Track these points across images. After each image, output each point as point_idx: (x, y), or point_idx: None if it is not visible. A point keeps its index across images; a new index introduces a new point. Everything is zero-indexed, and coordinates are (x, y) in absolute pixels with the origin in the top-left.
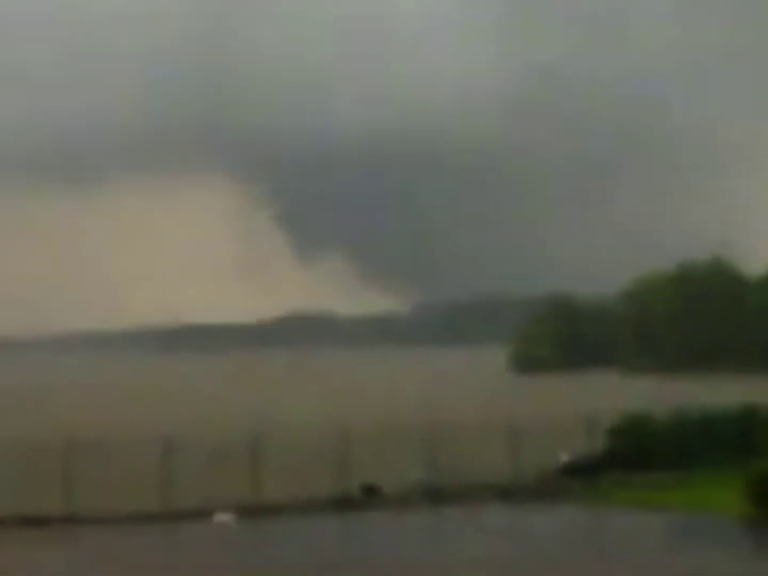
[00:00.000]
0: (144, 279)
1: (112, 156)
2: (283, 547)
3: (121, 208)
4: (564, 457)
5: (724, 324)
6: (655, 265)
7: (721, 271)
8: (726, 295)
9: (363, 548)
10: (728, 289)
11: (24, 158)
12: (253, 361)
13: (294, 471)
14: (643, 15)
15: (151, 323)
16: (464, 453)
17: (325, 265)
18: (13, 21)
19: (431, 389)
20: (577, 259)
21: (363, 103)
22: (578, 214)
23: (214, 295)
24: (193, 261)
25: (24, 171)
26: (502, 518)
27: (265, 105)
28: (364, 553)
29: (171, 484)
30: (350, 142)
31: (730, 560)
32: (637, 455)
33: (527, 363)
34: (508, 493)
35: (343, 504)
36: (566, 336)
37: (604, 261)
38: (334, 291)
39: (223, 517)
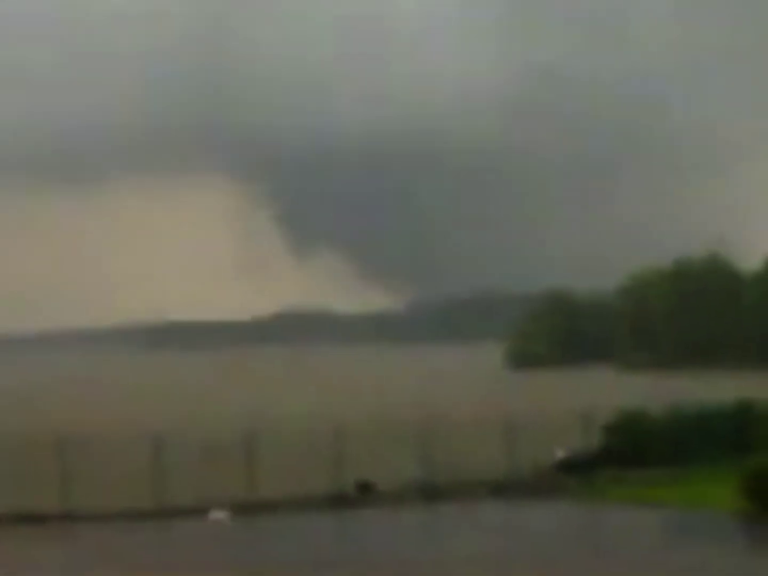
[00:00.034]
0: (144, 279)
1: (112, 156)
2: (278, 544)
3: (121, 208)
4: (560, 454)
5: (720, 320)
6: (653, 261)
7: (718, 267)
8: (722, 291)
9: (358, 545)
10: (725, 285)
11: (24, 158)
12: (249, 358)
13: (289, 468)
14: (643, 15)
15: (149, 321)
16: (460, 450)
17: (325, 264)
18: (13, 21)
19: (427, 386)
20: (577, 259)
21: (363, 103)
22: (578, 213)
23: (214, 295)
24: (193, 261)
25: (24, 171)
26: (498, 515)
27: (265, 105)
28: (360, 550)
29: (166, 481)
30: (350, 142)
31: (726, 556)
32: (632, 452)
33: (523, 359)
34: (504, 489)
35: (338, 501)
36: (562, 332)
37: (604, 261)
38: (332, 290)
39: (219, 515)
